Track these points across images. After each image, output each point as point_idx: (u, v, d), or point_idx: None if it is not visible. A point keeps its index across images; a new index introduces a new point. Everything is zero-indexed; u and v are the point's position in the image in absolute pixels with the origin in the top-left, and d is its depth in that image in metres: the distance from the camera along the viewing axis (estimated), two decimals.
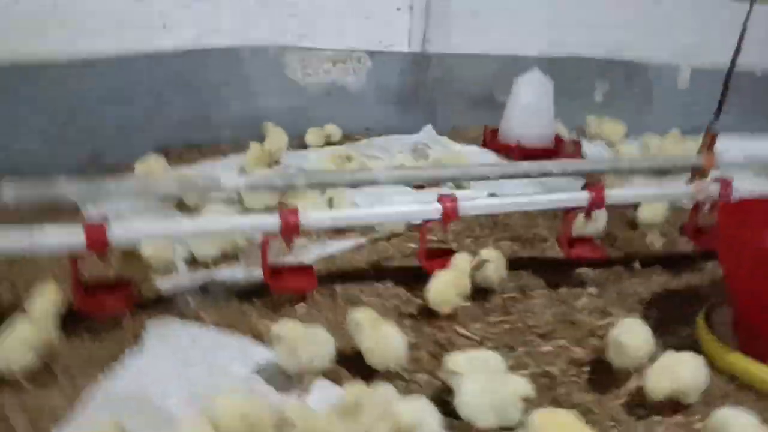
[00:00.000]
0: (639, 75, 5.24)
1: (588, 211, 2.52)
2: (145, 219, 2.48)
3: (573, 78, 5.08)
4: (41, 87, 3.37)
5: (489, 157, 4.28)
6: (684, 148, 4.42)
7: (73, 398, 1.82)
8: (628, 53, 5.17)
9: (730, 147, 3.74)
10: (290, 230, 2.20)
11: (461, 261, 2.36)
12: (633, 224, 3.29)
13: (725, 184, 2.66)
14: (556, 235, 3.12)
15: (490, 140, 4.50)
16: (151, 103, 3.95)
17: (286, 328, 1.86)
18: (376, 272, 2.68)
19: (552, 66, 4.87)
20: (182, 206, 3.11)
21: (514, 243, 3.05)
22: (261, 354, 2.03)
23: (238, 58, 4.38)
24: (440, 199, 2.42)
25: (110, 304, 2.14)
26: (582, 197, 2.50)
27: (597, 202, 2.49)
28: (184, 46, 4.00)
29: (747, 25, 2.53)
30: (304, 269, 2.44)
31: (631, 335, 1.96)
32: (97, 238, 2.01)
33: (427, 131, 4.73)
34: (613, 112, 5.19)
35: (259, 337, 2.15)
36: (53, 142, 3.47)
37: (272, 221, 2.21)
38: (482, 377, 1.73)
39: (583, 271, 2.76)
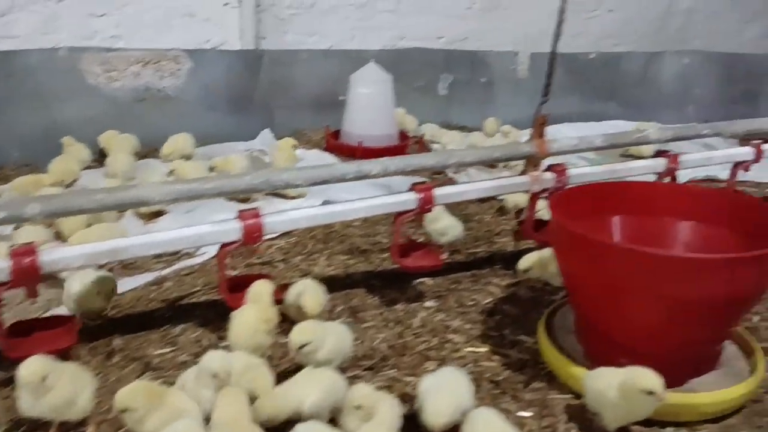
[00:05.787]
0: (482, 65, 5.15)
1: (418, 214, 2.22)
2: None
3: (417, 71, 4.89)
4: None
5: (329, 160, 3.91)
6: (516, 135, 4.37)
7: None
8: (470, 43, 5.07)
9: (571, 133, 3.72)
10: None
11: (262, 291, 1.92)
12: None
13: (560, 170, 2.48)
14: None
15: (333, 142, 4.15)
16: None
17: None
18: (175, 313, 2.19)
19: (396, 59, 4.64)
20: None
21: (350, 256, 2.70)
22: None
23: (25, 63, 3.66)
24: (241, 215, 1.98)
25: None
26: (409, 198, 2.19)
27: (425, 203, 2.19)
28: None
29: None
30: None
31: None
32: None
33: (265, 136, 4.27)
34: (458, 104, 5.09)
35: None
36: None
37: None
38: None
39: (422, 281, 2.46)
